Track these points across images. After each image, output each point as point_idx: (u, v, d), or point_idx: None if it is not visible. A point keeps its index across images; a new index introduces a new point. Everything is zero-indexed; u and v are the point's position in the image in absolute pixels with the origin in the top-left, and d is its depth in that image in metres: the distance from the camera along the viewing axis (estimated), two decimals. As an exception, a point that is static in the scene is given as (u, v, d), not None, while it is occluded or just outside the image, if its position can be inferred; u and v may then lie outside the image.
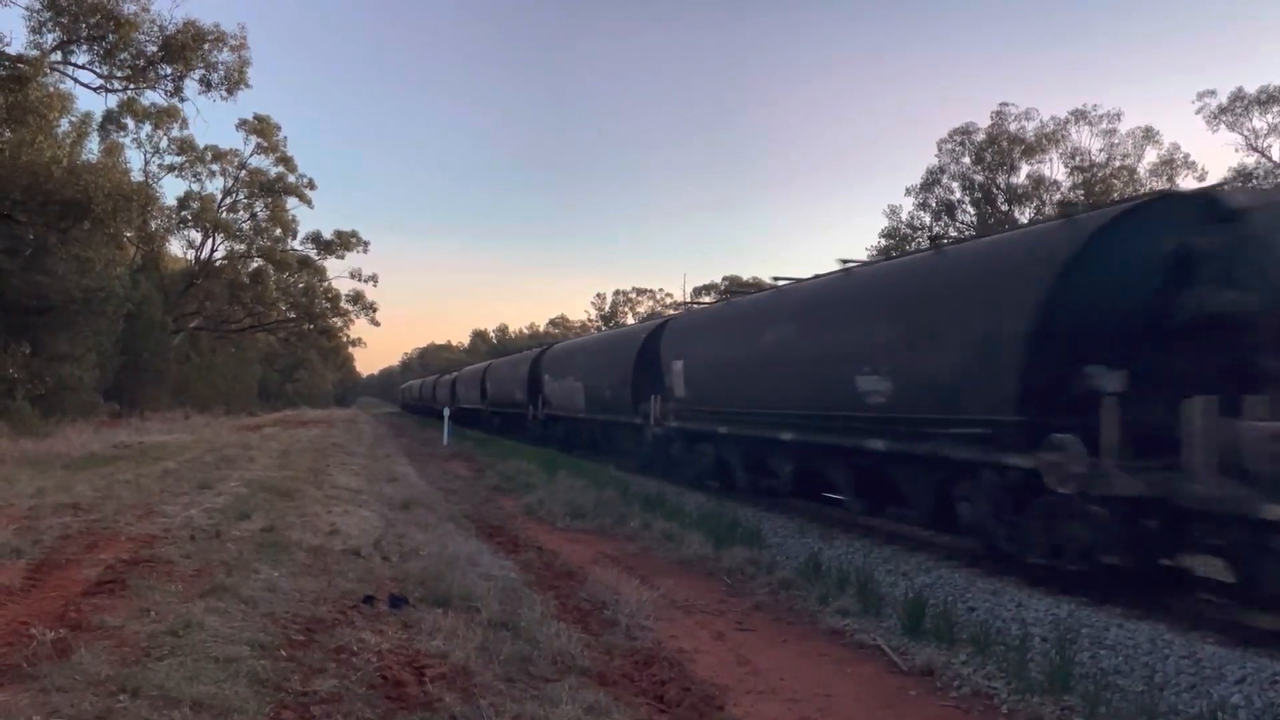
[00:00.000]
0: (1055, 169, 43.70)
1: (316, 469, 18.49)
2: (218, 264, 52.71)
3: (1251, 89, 37.76)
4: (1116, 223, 8.76)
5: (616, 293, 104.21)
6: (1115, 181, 41.18)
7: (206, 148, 48.89)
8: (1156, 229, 8.64)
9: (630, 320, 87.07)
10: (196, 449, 22.60)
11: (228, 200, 51.46)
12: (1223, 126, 38.70)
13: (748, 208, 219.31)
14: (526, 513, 15.50)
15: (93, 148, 35.99)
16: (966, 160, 44.93)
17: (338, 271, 56.32)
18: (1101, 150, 42.59)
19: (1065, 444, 8.28)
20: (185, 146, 47.27)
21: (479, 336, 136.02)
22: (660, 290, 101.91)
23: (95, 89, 29.57)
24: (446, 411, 39.59)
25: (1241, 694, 6.04)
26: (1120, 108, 48.65)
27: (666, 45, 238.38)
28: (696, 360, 17.57)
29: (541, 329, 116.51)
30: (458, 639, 6.27)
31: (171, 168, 47.70)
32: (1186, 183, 39.26)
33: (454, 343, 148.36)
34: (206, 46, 28.56)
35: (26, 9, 25.68)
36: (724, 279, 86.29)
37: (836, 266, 13.69)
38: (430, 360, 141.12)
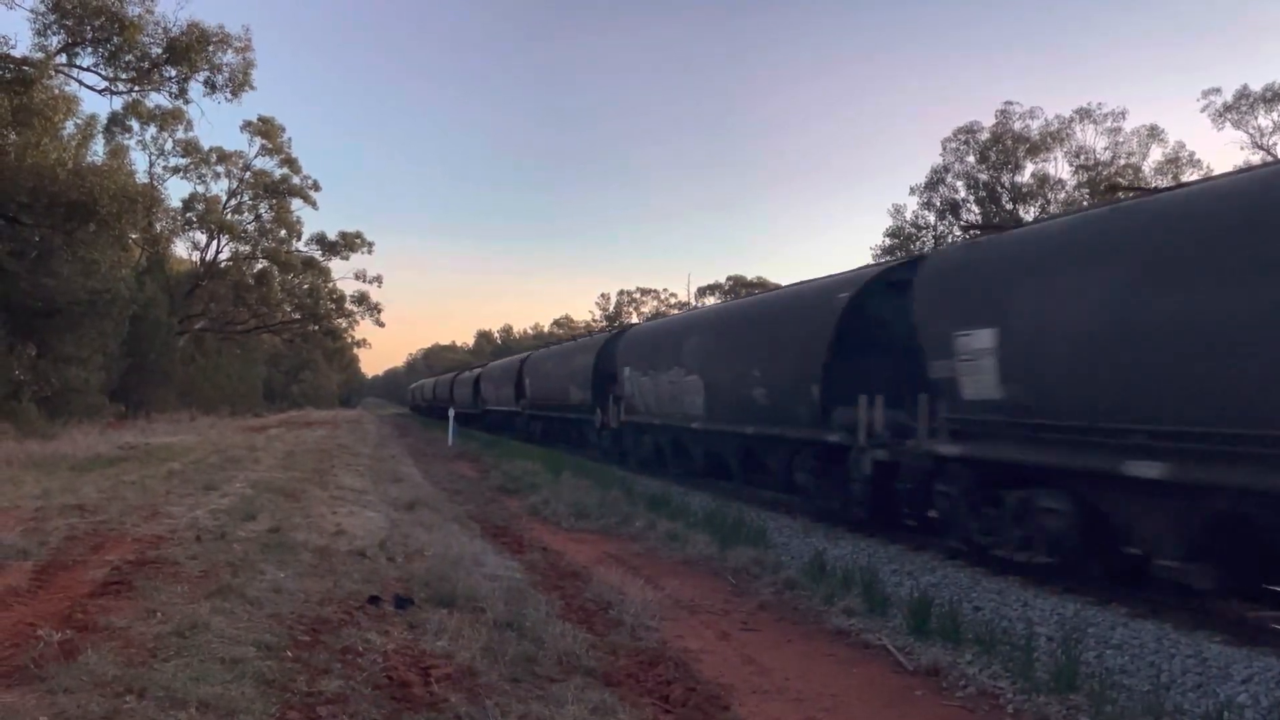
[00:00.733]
0: (1060, 168, 43.66)
1: (321, 470, 18.51)
2: (223, 265, 52.80)
3: (1257, 87, 37.74)
4: (864, 286, 12.77)
5: (621, 293, 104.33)
6: (1120, 180, 41.08)
7: (211, 149, 49.06)
8: (876, 290, 12.63)
9: (635, 318, 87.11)
10: (202, 450, 22.64)
11: (232, 202, 51.60)
12: (1228, 124, 38.68)
13: (752, 207, 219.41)
14: (531, 513, 15.52)
15: (98, 150, 36.14)
16: (971, 159, 44.88)
17: (342, 272, 56.59)
18: (1106, 149, 42.55)
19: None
20: (190, 148, 47.41)
21: (483, 337, 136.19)
22: (665, 290, 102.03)
23: (100, 91, 29.73)
24: (451, 412, 39.63)
25: (1248, 693, 6.02)
26: (1125, 106, 48.58)
27: (670, 44, 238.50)
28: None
29: (546, 329, 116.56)
30: (463, 639, 6.28)
31: (176, 169, 47.88)
32: (1191, 178, 39.14)
33: (458, 343, 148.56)
34: (211, 48, 28.67)
35: (31, 11, 25.81)
36: (728, 278, 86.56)
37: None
38: (435, 361, 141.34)
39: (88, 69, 28.70)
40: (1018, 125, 43.43)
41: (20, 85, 23.43)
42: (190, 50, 28.09)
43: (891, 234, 47.33)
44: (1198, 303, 7.18)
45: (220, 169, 50.00)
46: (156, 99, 35.94)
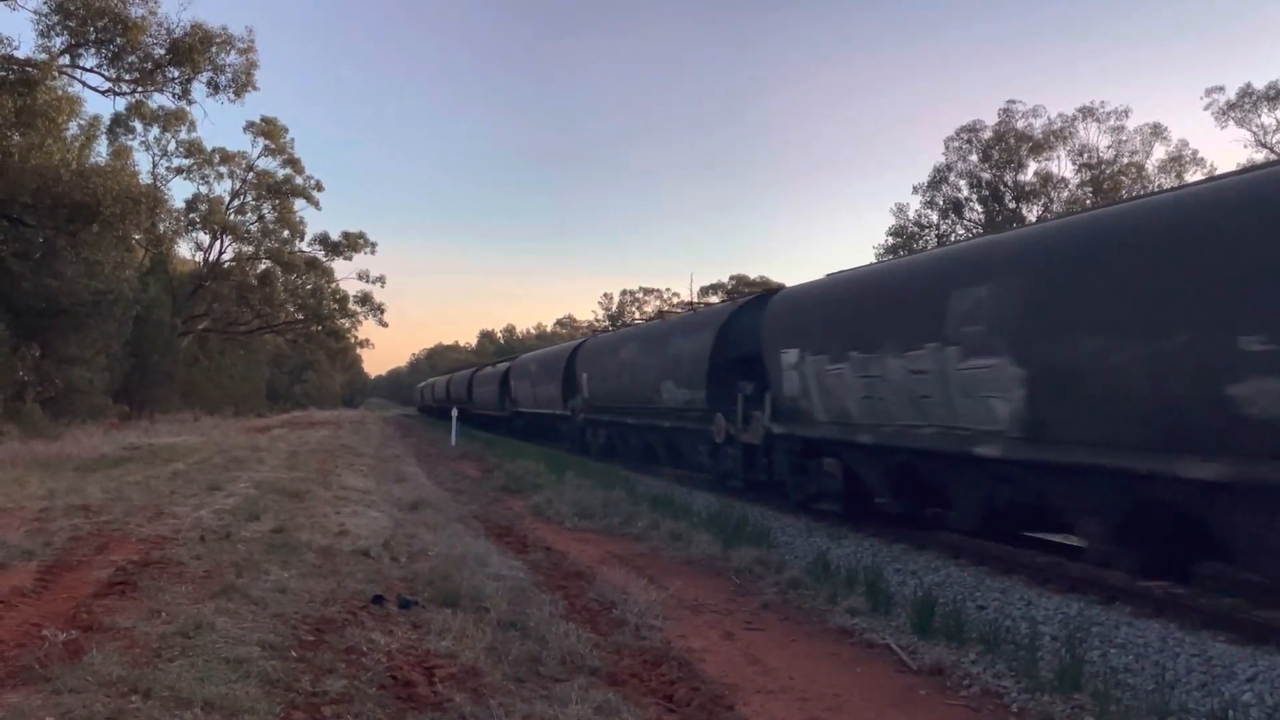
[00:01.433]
0: (1063, 166, 43.67)
1: (325, 470, 18.54)
2: (226, 266, 52.87)
3: (1260, 85, 37.71)
4: (739, 308, 17.11)
5: (624, 293, 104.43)
6: (1124, 178, 41.09)
7: (214, 150, 49.16)
8: (751, 310, 16.30)
9: (637, 318, 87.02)
10: (205, 450, 22.67)
11: (236, 202, 51.70)
12: (1231, 123, 38.65)
13: (755, 206, 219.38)
14: (534, 513, 15.52)
15: (101, 151, 36.16)
16: (974, 158, 44.91)
17: (345, 273, 56.58)
18: (1110, 147, 42.57)
19: (721, 419, 16.14)
20: (193, 149, 47.51)
21: (486, 337, 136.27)
22: (667, 290, 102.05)
23: (103, 92, 29.81)
24: (455, 412, 39.63)
25: (1253, 692, 6.01)
26: (1128, 104, 48.58)
27: (674, 43, 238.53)
28: (594, 372, 24.79)
29: (549, 329, 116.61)
30: (467, 639, 6.29)
31: (179, 170, 47.98)
32: (1194, 178, 39.14)
33: (461, 343, 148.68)
34: (214, 49, 28.75)
35: (35, 13, 25.87)
36: (731, 278, 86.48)
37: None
38: (438, 361, 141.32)
39: (91, 70, 28.79)
40: (1020, 124, 43.49)
41: (24, 86, 23.48)
42: (193, 51, 28.15)
43: (894, 233, 47.41)
44: (889, 345, 11.03)
45: (223, 169, 50.17)
46: (159, 100, 35.94)
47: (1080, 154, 42.88)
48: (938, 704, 6.23)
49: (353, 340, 63.08)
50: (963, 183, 45.58)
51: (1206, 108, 38.88)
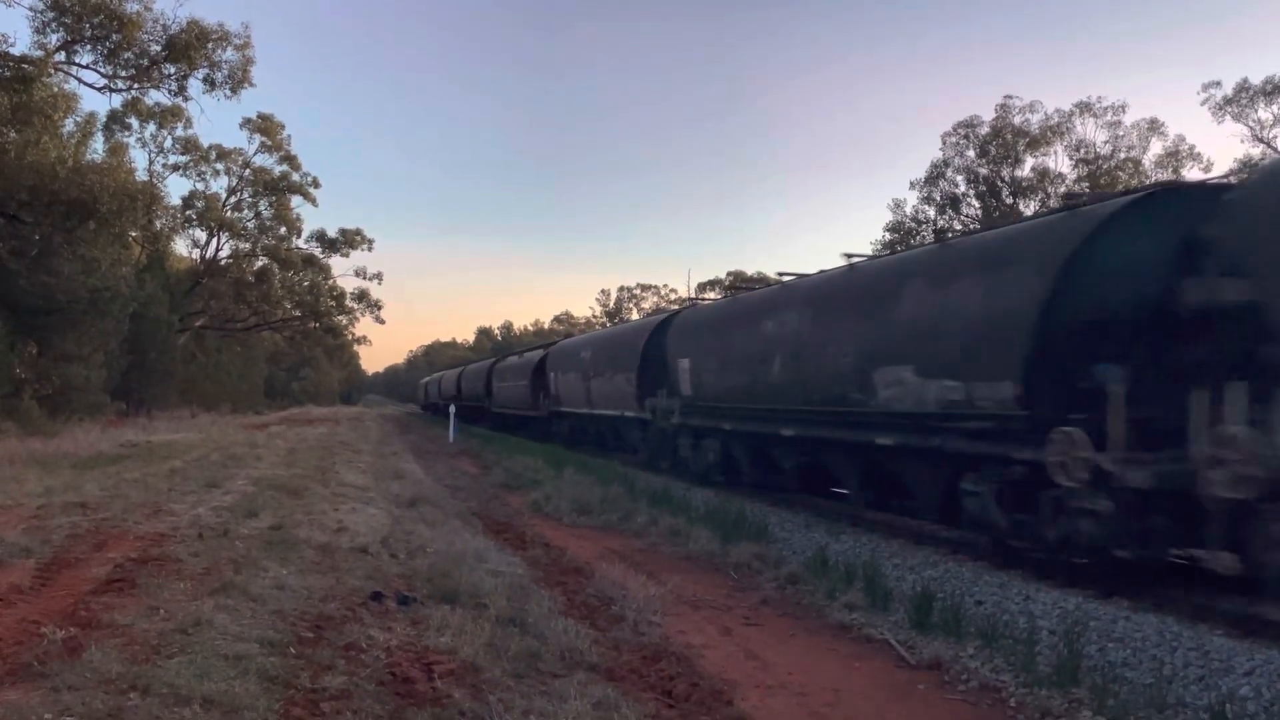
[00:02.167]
0: (1060, 161, 43.65)
1: (323, 467, 18.54)
2: (223, 263, 52.89)
3: (1257, 80, 37.71)
4: (655, 329, 21.31)
5: (621, 289, 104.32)
6: (1120, 174, 41.08)
7: (211, 146, 49.19)
8: (661, 331, 20.81)
9: (635, 315, 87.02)
10: (203, 448, 22.66)
11: (232, 199, 51.69)
12: (1228, 118, 38.65)
13: (753, 202, 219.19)
14: (533, 509, 15.53)
15: (97, 148, 36.16)
16: (971, 153, 44.88)
17: (342, 269, 56.52)
18: (1106, 142, 42.54)
19: (653, 409, 19.82)
20: (189, 145, 47.52)
21: (484, 334, 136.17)
22: (665, 286, 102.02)
23: (99, 89, 29.77)
24: (453, 409, 39.59)
25: (1250, 686, 6.02)
26: (1125, 99, 48.47)
27: (671, 39, 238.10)
28: (564, 373, 28.44)
29: (547, 325, 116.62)
30: (466, 635, 6.29)
31: (176, 167, 47.99)
32: (1192, 174, 39.21)
33: (459, 340, 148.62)
34: (210, 45, 28.71)
35: (30, 9, 25.82)
36: (728, 274, 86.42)
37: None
38: (436, 358, 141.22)
39: (87, 67, 28.75)
40: (1017, 119, 43.44)
41: (20, 83, 23.43)
42: (189, 47, 28.12)
43: (892, 228, 47.36)
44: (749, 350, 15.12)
45: (220, 166, 50.17)
46: (156, 96, 36.03)
47: (1077, 149, 42.88)
48: (936, 698, 6.24)
49: (350, 337, 63.11)
50: (960, 178, 45.58)
51: (1203, 103, 38.88)
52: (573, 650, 6.38)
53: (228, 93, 30.15)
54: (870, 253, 18.28)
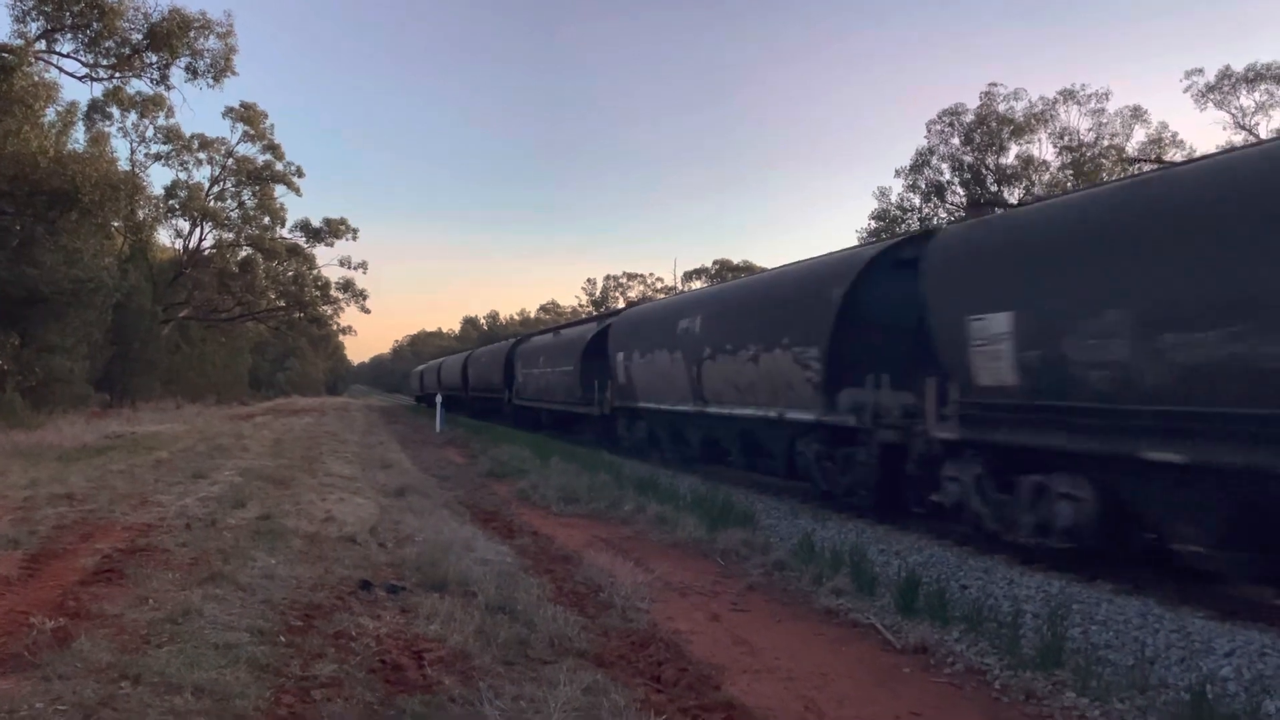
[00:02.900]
0: (1044, 149, 43.74)
1: (310, 457, 18.51)
2: (206, 253, 52.48)
3: (1239, 67, 37.89)
4: (593, 335, 24.97)
5: (607, 278, 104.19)
6: (1104, 161, 41.24)
7: (193, 136, 48.67)
8: (596, 337, 24.90)
9: (621, 304, 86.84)
10: (189, 438, 22.58)
11: (215, 189, 51.20)
12: (1210, 104, 38.84)
13: (740, 191, 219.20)
14: (520, 498, 15.55)
15: (78, 137, 35.81)
16: (955, 141, 44.89)
17: (327, 259, 56.23)
18: (1090, 130, 42.61)
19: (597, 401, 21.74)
20: (172, 135, 47.02)
21: (470, 323, 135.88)
22: (651, 274, 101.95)
23: (80, 78, 29.51)
24: (439, 398, 39.54)
25: (1231, 666, 6.11)
26: (1109, 87, 48.67)
27: (657, 27, 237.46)
28: (528, 369, 31.46)
29: (533, 315, 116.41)
30: (455, 623, 6.32)
31: (158, 156, 47.46)
32: (1175, 158, 39.33)
33: (445, 329, 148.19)
34: (193, 34, 28.48)
35: (10, -2, 25.51)
36: (714, 262, 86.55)
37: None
38: (422, 347, 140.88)
39: (67, 55, 28.50)
40: (1002, 107, 43.46)
41: (0, 73, 23.21)
42: (171, 36, 27.91)
43: (877, 216, 47.39)
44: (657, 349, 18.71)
45: (202, 156, 49.64)
46: (137, 85, 35.69)
47: (1061, 137, 42.98)
48: (922, 681, 6.31)
49: (335, 327, 62.88)
50: (945, 166, 45.60)
51: (1186, 90, 39.09)
52: (562, 637, 6.41)
53: (210, 81, 29.98)
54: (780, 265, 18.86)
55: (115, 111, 42.48)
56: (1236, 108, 38.33)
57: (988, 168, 44.50)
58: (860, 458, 12.05)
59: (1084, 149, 42.20)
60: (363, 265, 56.10)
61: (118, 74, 30.26)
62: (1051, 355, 8.60)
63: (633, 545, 11.15)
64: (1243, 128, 38.07)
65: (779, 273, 16.14)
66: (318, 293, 56.46)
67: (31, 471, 14.34)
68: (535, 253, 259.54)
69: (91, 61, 28.82)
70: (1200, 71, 38.46)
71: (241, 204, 52.16)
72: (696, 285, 77.58)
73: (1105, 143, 42.11)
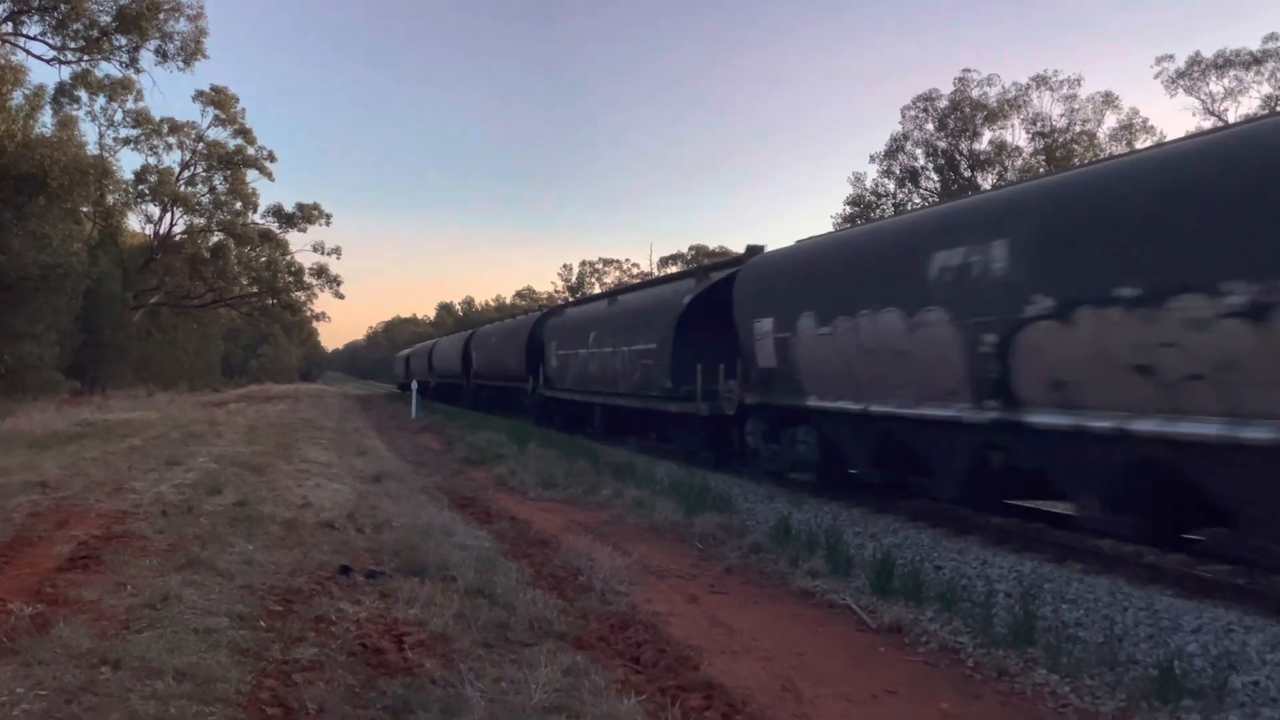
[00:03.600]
0: (1017, 135, 44.06)
1: (285, 444, 18.42)
2: (177, 238, 51.87)
3: (1209, 54, 38.28)
4: (532, 326, 29.95)
5: (583, 264, 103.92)
6: (1076, 146, 41.58)
7: (163, 120, 48.01)
8: (541, 324, 28.97)
9: (597, 289, 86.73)
10: (162, 426, 22.39)
11: (186, 173, 50.58)
12: (1180, 91, 39.24)
13: (716, 176, 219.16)
14: (498, 484, 15.57)
15: (46, 121, 35.27)
16: (930, 127, 45.18)
17: (300, 245, 55.72)
18: (1062, 115, 42.97)
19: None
20: (141, 119, 46.33)
21: (445, 309, 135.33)
22: (627, 260, 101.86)
23: (48, 61, 29.16)
24: (415, 384, 39.39)
25: (1198, 643, 6.25)
26: (1081, 73, 48.98)
27: (633, 13, 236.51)
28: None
29: (508, 301, 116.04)
30: (435, 607, 6.34)
31: (127, 141, 46.77)
32: (1144, 144, 39.67)
33: (420, 316, 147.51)
34: (162, 16, 28.15)
35: (-26, -22, 25.11)
36: (690, 248, 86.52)
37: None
38: (396, 334, 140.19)
39: (35, 38, 28.15)
40: (976, 93, 43.76)
41: (-36, 55, 22.86)
42: (141, 18, 27.59)
43: (852, 202, 47.61)
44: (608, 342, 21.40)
45: (173, 140, 48.95)
46: (106, 68, 35.23)
47: (1034, 122, 43.30)
48: (897, 659, 6.41)
49: (309, 313, 62.41)
50: (919, 151, 45.89)
51: (1156, 76, 39.49)
52: (541, 620, 6.46)
53: (180, 64, 29.78)
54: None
55: (84, 95, 41.83)
56: (1206, 94, 38.79)
57: (961, 153, 44.78)
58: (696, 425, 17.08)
59: (1056, 134, 42.54)
60: (336, 251, 55.76)
61: (86, 56, 29.92)
62: (783, 344, 13.25)
63: (611, 529, 11.21)
64: (1212, 114, 38.52)
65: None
66: (291, 278, 55.99)
67: (2, 459, 14.19)
68: (510, 239, 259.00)
69: (59, 44, 28.49)
70: (1170, 58, 38.90)
71: (213, 189, 51.61)
72: (672, 269, 77.34)
73: (1077, 128, 42.49)
